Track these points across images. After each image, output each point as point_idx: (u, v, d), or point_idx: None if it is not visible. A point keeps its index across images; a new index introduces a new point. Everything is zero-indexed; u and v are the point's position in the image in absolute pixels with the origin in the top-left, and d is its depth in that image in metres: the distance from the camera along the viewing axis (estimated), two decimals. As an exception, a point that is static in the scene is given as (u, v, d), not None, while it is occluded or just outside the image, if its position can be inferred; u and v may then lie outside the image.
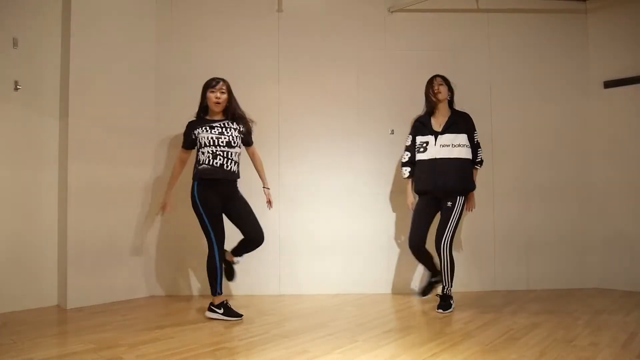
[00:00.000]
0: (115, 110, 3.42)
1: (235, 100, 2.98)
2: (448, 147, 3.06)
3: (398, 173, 3.58)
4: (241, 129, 2.97)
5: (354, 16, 3.79)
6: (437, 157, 3.05)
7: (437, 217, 3.17)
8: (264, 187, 3.17)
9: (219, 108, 2.92)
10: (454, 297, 3.14)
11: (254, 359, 2.15)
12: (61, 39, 3.30)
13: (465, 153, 3.08)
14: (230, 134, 2.89)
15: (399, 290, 3.67)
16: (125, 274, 3.44)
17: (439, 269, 3.15)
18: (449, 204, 3.07)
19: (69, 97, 3.19)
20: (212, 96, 2.89)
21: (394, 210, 3.69)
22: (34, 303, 3.12)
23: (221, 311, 2.85)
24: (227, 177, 2.88)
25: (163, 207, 3.11)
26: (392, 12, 3.80)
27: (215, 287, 2.85)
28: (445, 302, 3.06)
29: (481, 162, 3.19)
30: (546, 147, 3.82)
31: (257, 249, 3.04)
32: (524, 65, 3.85)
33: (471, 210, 3.27)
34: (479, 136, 3.20)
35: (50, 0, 3.27)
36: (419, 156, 3.14)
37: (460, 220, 3.13)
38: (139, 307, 3.23)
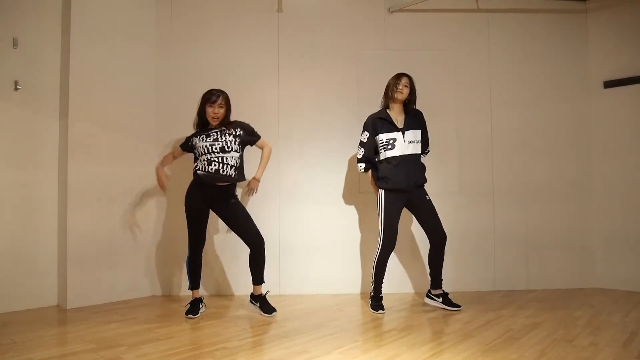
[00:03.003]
0: (115, 110, 3.42)
1: (230, 111, 3.00)
2: (413, 143, 3.12)
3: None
4: (238, 133, 2.95)
5: (354, 16, 3.80)
6: (406, 153, 3.09)
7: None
8: (254, 177, 3.13)
9: (216, 122, 2.93)
10: (453, 296, 3.16)
11: (254, 359, 2.15)
12: (61, 39, 3.30)
13: (420, 148, 3.17)
14: (224, 139, 2.90)
15: (399, 290, 3.67)
16: (125, 274, 3.44)
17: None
18: (427, 197, 3.15)
19: (69, 97, 3.19)
20: (210, 111, 2.90)
21: (394, 210, 3.68)
22: (34, 303, 3.13)
23: (188, 307, 2.96)
24: (224, 181, 2.89)
25: (161, 184, 3.08)
26: (392, 12, 3.80)
27: (189, 283, 3.02)
28: (449, 298, 3.12)
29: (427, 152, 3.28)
30: (546, 147, 3.82)
31: (264, 258, 3.01)
32: (524, 65, 3.85)
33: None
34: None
35: (50, 0, 3.27)
36: (388, 153, 3.10)
37: None
38: (139, 307, 3.23)
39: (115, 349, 2.27)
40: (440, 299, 3.13)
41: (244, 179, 3.00)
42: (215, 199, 2.94)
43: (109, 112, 3.39)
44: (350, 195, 3.71)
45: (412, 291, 3.68)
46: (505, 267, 3.75)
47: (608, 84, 3.79)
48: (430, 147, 3.28)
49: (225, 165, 2.88)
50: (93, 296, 3.24)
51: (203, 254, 3.02)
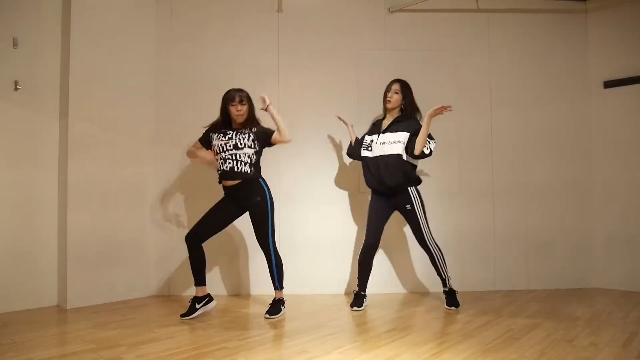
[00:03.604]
0: (115, 110, 3.42)
1: (254, 109, 2.99)
2: (386, 144, 3.10)
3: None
4: (254, 130, 2.95)
5: (353, 16, 3.79)
6: (377, 154, 3.12)
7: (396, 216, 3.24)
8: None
9: (241, 119, 2.94)
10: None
11: (254, 359, 2.15)
12: (61, 39, 3.30)
13: (399, 149, 3.06)
14: (238, 137, 2.92)
15: (399, 290, 3.67)
16: (125, 274, 3.44)
17: (365, 288, 3.18)
18: (408, 206, 3.07)
19: (69, 97, 3.19)
20: (233, 110, 2.91)
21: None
22: (34, 303, 3.12)
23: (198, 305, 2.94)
24: (238, 178, 2.89)
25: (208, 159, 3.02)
26: (392, 12, 3.80)
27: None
28: (453, 298, 3.12)
29: (417, 155, 3.01)
30: (546, 147, 3.83)
31: (272, 266, 2.99)
32: (524, 65, 3.85)
33: (441, 112, 2.92)
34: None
35: (50, 0, 3.26)
36: (365, 153, 3.22)
37: (426, 210, 3.11)
38: (139, 307, 3.23)
39: (115, 349, 2.27)
40: (445, 296, 3.16)
41: (259, 175, 2.97)
42: (241, 197, 2.94)
43: (109, 112, 3.38)
44: (350, 196, 3.71)
45: (412, 291, 3.68)
46: (505, 267, 3.75)
47: (608, 84, 3.79)
48: (422, 150, 2.98)
49: (239, 162, 2.88)
50: (93, 296, 3.24)
51: (209, 254, 3.01)
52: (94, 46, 3.32)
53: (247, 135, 2.92)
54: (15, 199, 3.09)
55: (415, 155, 3.03)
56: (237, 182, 2.91)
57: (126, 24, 3.53)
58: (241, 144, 2.90)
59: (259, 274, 3.53)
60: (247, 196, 2.93)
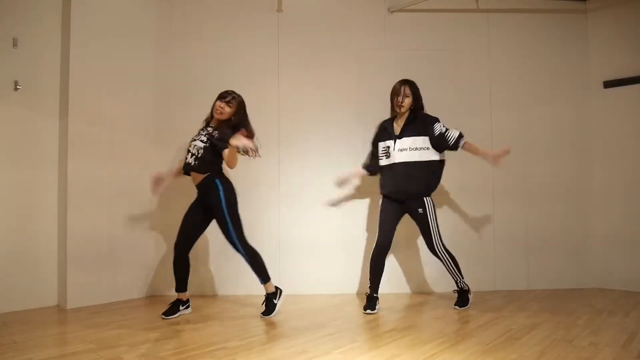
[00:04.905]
0: (115, 110, 3.42)
1: (244, 118, 2.90)
2: (406, 150, 3.03)
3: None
4: (214, 133, 2.83)
5: (353, 16, 3.80)
6: (396, 161, 3.05)
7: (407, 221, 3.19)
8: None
9: (219, 117, 2.88)
10: (453, 296, 3.17)
11: (254, 359, 2.15)
12: (61, 39, 3.30)
13: (427, 155, 3.02)
14: (200, 136, 2.89)
15: (399, 290, 3.67)
16: (125, 274, 3.44)
17: (377, 290, 3.12)
18: (420, 210, 3.04)
19: (69, 97, 3.19)
20: (217, 104, 2.89)
21: (394, 210, 3.68)
22: (34, 303, 3.12)
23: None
24: (186, 169, 2.88)
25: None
26: (392, 12, 3.80)
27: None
28: (462, 297, 3.13)
29: (455, 145, 2.98)
30: (546, 147, 3.82)
31: (250, 263, 2.94)
32: (523, 65, 3.85)
33: (499, 159, 2.92)
34: (442, 125, 3.04)
35: (50, 0, 3.27)
36: (383, 162, 3.14)
37: (438, 218, 3.09)
38: (139, 307, 3.23)
39: (115, 349, 2.27)
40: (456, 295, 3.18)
41: (207, 170, 2.82)
42: (203, 197, 2.89)
43: (109, 112, 3.38)
44: (350, 196, 3.71)
45: (413, 292, 3.68)
46: (505, 267, 3.75)
47: (608, 84, 3.79)
48: (453, 139, 2.98)
49: (189, 154, 2.86)
50: (93, 296, 3.24)
51: (196, 254, 2.97)
52: (94, 46, 3.32)
53: (206, 136, 2.83)
54: (15, 199, 3.09)
55: (451, 147, 3.02)
56: (198, 180, 2.85)
57: (126, 23, 3.52)
58: (196, 138, 2.89)
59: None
60: (205, 195, 2.87)
